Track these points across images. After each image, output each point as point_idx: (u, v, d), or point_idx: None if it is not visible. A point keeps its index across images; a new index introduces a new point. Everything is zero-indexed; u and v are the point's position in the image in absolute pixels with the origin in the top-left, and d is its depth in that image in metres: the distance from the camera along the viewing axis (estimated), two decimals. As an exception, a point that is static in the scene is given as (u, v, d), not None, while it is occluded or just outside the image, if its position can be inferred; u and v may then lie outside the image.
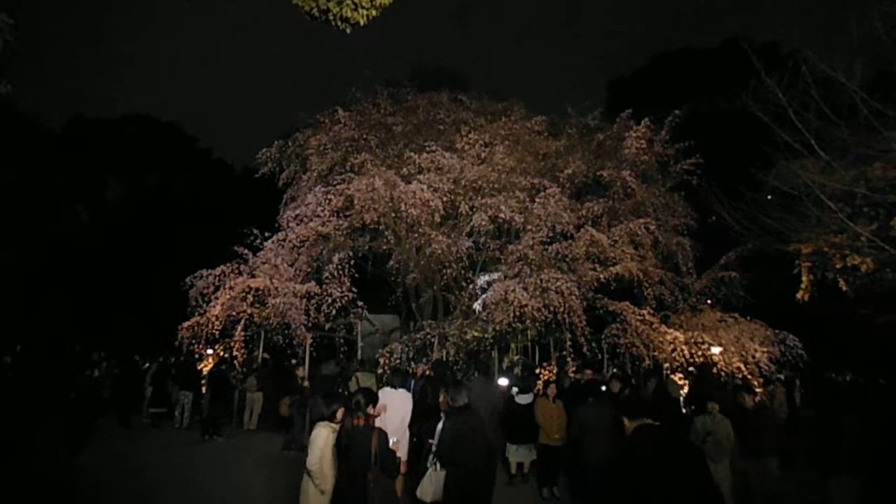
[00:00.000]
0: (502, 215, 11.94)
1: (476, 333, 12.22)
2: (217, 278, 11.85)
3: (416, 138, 14.33)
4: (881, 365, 14.68)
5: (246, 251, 12.42)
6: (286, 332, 11.63)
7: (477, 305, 12.32)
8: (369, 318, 13.51)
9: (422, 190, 11.80)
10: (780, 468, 6.53)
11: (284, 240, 12.24)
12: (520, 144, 14.01)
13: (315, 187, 13.08)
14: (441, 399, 5.55)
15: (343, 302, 11.69)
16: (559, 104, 15.93)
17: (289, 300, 11.06)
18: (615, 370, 12.81)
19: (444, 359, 10.98)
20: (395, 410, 5.77)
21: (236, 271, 12.00)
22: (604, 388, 8.83)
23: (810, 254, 9.59)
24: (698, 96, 22.26)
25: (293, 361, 13.33)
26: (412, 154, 12.88)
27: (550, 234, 12.17)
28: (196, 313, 11.51)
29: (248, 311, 11.45)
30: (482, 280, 12.81)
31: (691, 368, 11.81)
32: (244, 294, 11.35)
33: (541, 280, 11.07)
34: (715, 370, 11.67)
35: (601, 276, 11.94)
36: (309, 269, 12.45)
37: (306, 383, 10.03)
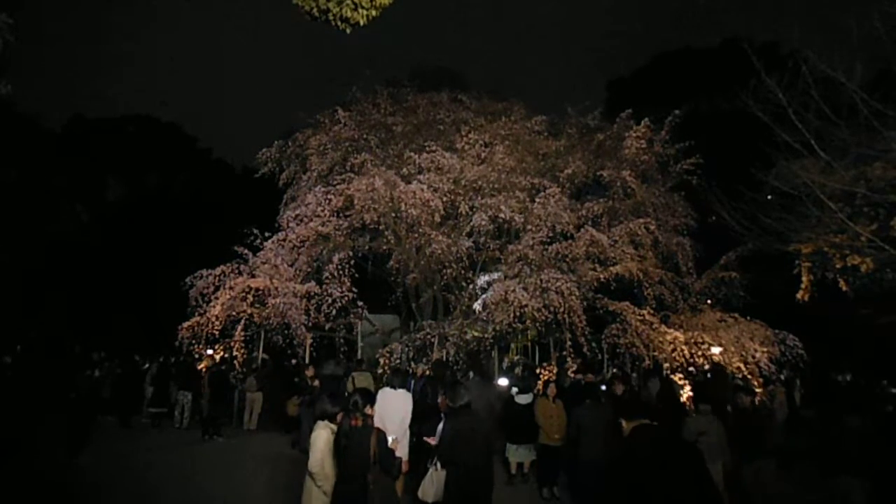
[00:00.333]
0: (502, 215, 11.94)
1: (476, 333, 12.22)
2: (217, 278, 11.86)
3: (416, 138, 14.34)
4: (881, 365, 14.68)
5: (246, 251, 12.42)
6: (286, 332, 11.64)
7: (477, 305, 12.32)
8: (369, 318, 13.51)
9: (422, 190, 11.80)
10: (778, 469, 6.52)
11: (284, 240, 12.24)
12: (520, 144, 14.02)
13: (315, 187, 13.09)
14: (440, 400, 5.55)
15: (343, 302, 11.70)
16: (559, 104, 15.94)
17: (289, 300, 11.06)
18: (615, 370, 12.81)
19: (444, 359, 10.98)
20: (395, 410, 5.77)
21: (236, 271, 12.00)
22: (604, 387, 8.86)
23: (810, 254, 9.58)
24: (698, 96, 22.23)
25: (293, 361, 13.34)
26: (412, 154, 12.89)
27: (550, 234, 12.17)
28: (196, 313, 11.52)
29: (248, 311, 11.45)
30: (482, 280, 12.81)
31: (691, 368, 11.80)
32: (244, 294, 11.36)
33: (541, 280, 11.07)
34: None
35: (601, 276, 11.94)
36: (309, 269, 12.46)
37: (316, 382, 10.02)
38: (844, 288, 9.92)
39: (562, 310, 10.84)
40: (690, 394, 10.39)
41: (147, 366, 14.09)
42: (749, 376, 11.52)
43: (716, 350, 11.79)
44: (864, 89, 7.76)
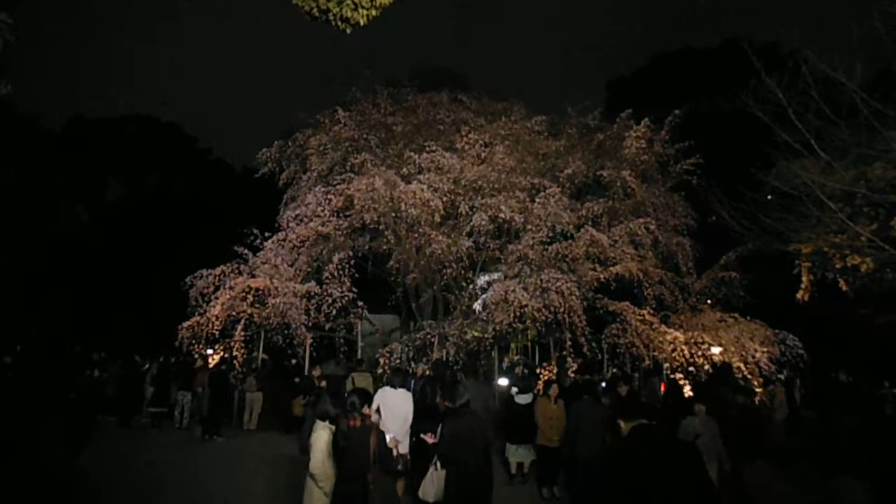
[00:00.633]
0: (502, 215, 11.95)
1: (476, 333, 12.22)
2: (217, 278, 11.86)
3: (416, 138, 14.34)
4: (882, 365, 14.67)
5: (246, 251, 12.42)
6: (286, 332, 11.64)
7: (477, 305, 12.32)
8: (369, 318, 13.51)
9: (422, 190, 11.80)
10: (775, 470, 6.52)
11: (284, 240, 12.24)
12: (520, 144, 14.02)
13: (315, 187, 13.09)
14: (438, 401, 5.55)
15: (343, 302, 11.70)
16: (559, 104, 15.92)
17: (289, 300, 11.06)
18: (615, 370, 12.82)
19: (444, 359, 10.98)
20: (396, 410, 5.76)
21: (236, 271, 12.00)
22: (604, 384, 8.86)
23: (810, 254, 9.57)
24: (698, 96, 22.23)
25: (293, 361, 13.34)
26: (412, 154, 12.89)
27: (550, 234, 12.17)
28: (196, 313, 11.52)
29: (248, 311, 11.45)
30: (482, 280, 12.81)
31: (691, 368, 11.81)
32: (244, 294, 11.35)
33: (541, 280, 11.08)
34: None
35: (601, 276, 11.95)
36: (309, 269, 12.46)
37: (323, 383, 10.01)
38: (844, 288, 9.91)
39: (562, 310, 10.84)
40: (691, 393, 10.40)
41: (147, 366, 14.09)
42: (749, 376, 11.52)
43: (716, 350, 11.79)
44: (864, 89, 7.76)
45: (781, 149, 8.78)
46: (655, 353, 11.76)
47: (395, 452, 5.07)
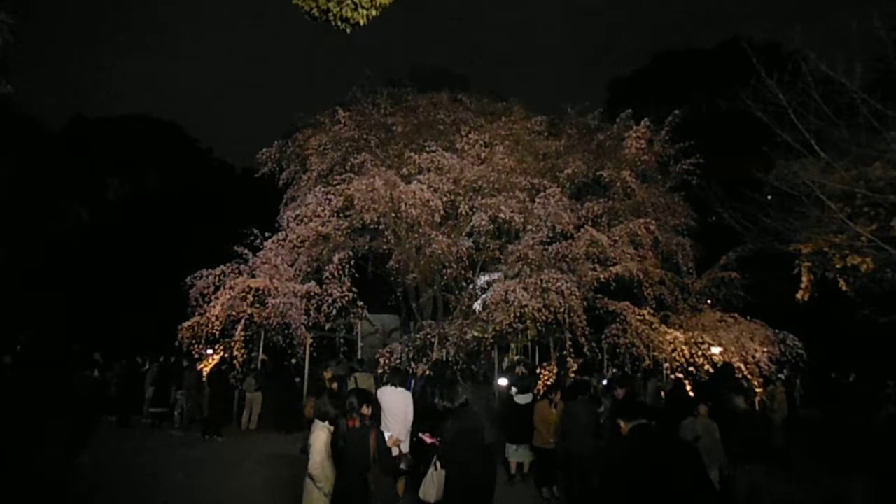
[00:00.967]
0: (502, 215, 11.95)
1: (476, 333, 12.22)
2: (217, 278, 11.85)
3: (416, 138, 14.34)
4: (882, 365, 14.66)
5: (246, 251, 12.42)
6: (286, 332, 11.63)
7: (477, 305, 12.32)
8: (369, 318, 13.51)
9: (422, 190, 11.80)
10: (775, 470, 6.49)
11: (284, 240, 12.24)
12: (520, 144, 14.02)
13: (315, 187, 13.08)
14: (436, 401, 5.55)
15: (343, 302, 11.69)
16: (559, 104, 15.89)
17: (289, 300, 11.06)
18: (615, 370, 12.82)
19: (444, 359, 10.98)
20: (397, 409, 5.77)
21: (236, 271, 11.99)
22: (605, 382, 8.84)
23: (810, 254, 9.56)
24: (698, 96, 22.25)
25: (293, 361, 13.34)
26: (412, 154, 12.89)
27: (550, 234, 12.17)
28: (196, 313, 11.51)
29: (248, 311, 11.45)
30: (482, 280, 12.81)
31: (691, 368, 11.81)
32: (244, 294, 11.35)
33: (541, 280, 11.07)
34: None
35: (601, 276, 11.94)
36: (309, 269, 12.45)
37: (334, 385, 9.98)
38: (844, 288, 9.90)
39: (562, 310, 10.83)
40: (691, 394, 10.39)
41: (147, 367, 14.09)
42: (749, 376, 11.52)
43: (716, 350, 11.79)
44: (865, 89, 7.75)
45: (781, 149, 8.77)
46: (655, 353, 11.76)
47: (395, 452, 5.07)
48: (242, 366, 11.95)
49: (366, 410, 4.24)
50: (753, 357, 11.70)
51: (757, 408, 10.92)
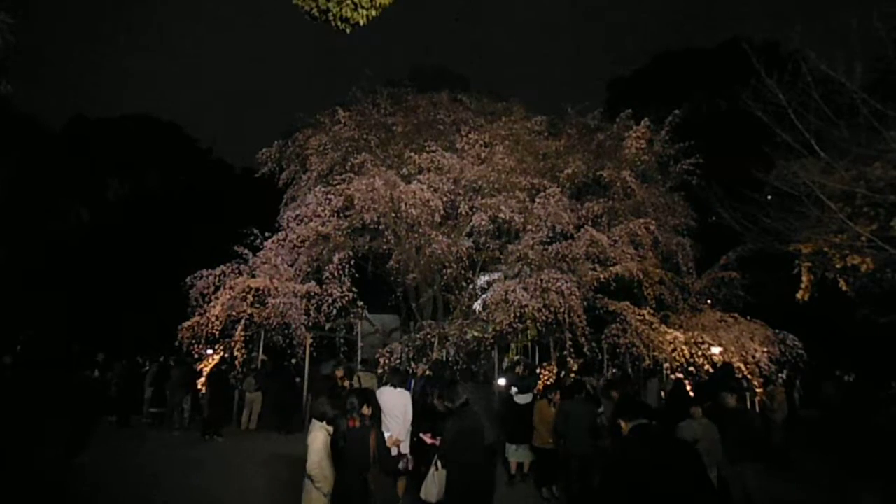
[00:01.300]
0: (502, 215, 11.94)
1: (476, 333, 12.22)
2: (217, 278, 11.85)
3: (416, 138, 14.34)
4: (882, 365, 14.67)
5: (246, 251, 12.42)
6: (286, 332, 11.63)
7: (477, 305, 12.32)
8: (369, 318, 13.50)
9: (422, 190, 11.80)
10: (775, 470, 6.48)
11: (284, 240, 12.23)
12: (520, 144, 14.02)
13: (315, 187, 13.08)
14: (437, 402, 5.56)
15: (343, 302, 11.69)
16: (559, 104, 15.91)
17: (289, 300, 11.06)
18: (615, 370, 12.82)
19: (444, 359, 10.98)
20: (396, 409, 5.77)
21: (236, 271, 11.99)
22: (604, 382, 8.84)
23: (810, 254, 9.56)
24: (698, 96, 22.25)
25: (293, 361, 13.34)
26: (412, 154, 12.89)
27: (550, 234, 12.17)
28: (196, 313, 11.51)
29: (248, 311, 11.44)
30: (482, 280, 12.81)
31: (691, 368, 11.81)
32: (244, 294, 11.35)
33: (541, 280, 11.07)
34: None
35: (601, 276, 11.94)
36: (309, 269, 12.45)
37: (346, 383, 9.98)
38: (844, 288, 9.90)
39: (562, 310, 10.83)
40: (692, 394, 10.39)
41: (147, 367, 14.09)
42: (749, 376, 11.52)
43: (716, 350, 11.79)
44: (865, 89, 7.74)
45: (781, 149, 8.77)
46: (655, 353, 11.75)
47: (395, 452, 5.08)
48: (242, 366, 11.95)
49: (366, 410, 4.24)
50: (753, 357, 11.69)
51: (757, 408, 10.93)
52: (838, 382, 14.74)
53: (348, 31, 4.41)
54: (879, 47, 7.82)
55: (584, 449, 6.23)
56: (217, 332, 11.43)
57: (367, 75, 16.25)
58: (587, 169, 13.73)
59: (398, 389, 6.00)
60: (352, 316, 12.66)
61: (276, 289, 11.16)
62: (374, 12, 4.39)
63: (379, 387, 9.05)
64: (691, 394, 9.98)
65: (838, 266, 8.98)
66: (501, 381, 10.69)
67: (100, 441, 9.36)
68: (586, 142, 14.71)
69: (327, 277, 11.63)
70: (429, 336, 11.80)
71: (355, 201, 11.99)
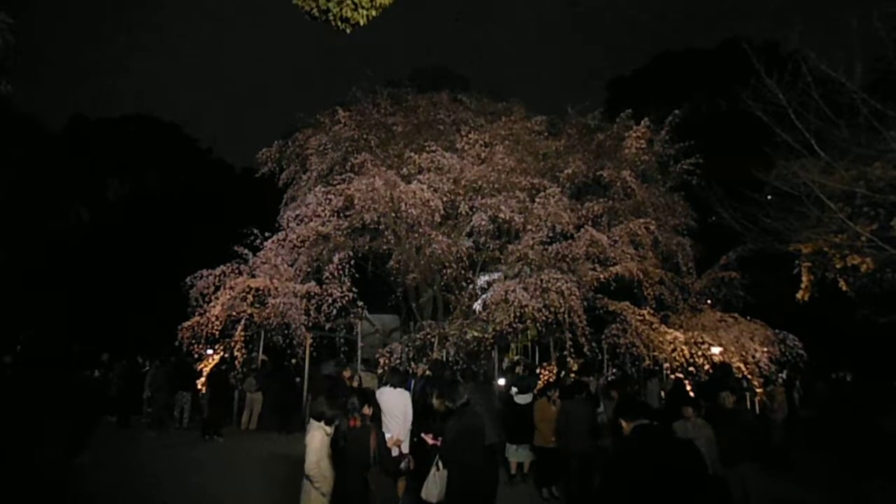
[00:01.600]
0: (502, 215, 11.94)
1: (476, 333, 12.22)
2: (217, 278, 11.86)
3: (416, 138, 14.34)
4: (882, 366, 14.66)
5: (246, 251, 12.43)
6: (286, 332, 11.63)
7: (477, 305, 12.32)
8: (369, 318, 13.51)
9: (422, 190, 11.80)
10: (775, 471, 6.47)
11: (284, 240, 12.24)
12: (520, 144, 14.02)
13: (315, 187, 13.08)
14: (436, 402, 5.55)
15: (343, 302, 11.69)
16: (559, 104, 15.94)
17: (289, 300, 11.06)
18: (615, 371, 12.82)
19: (444, 359, 10.98)
20: (396, 409, 5.77)
21: (236, 271, 12.00)
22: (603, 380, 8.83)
23: (810, 254, 9.56)
24: (698, 96, 22.24)
25: (293, 361, 13.34)
26: (412, 154, 12.89)
27: (550, 234, 12.18)
28: (196, 313, 11.51)
29: (248, 311, 11.45)
30: (482, 280, 12.81)
31: (691, 368, 11.81)
32: (244, 294, 11.35)
33: (541, 280, 11.07)
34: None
35: (601, 276, 11.95)
36: (309, 269, 12.46)
37: (355, 383, 9.98)
38: (844, 288, 9.90)
39: (562, 310, 10.83)
40: (692, 394, 10.39)
41: (147, 367, 14.09)
42: (749, 376, 11.52)
43: (716, 350, 11.79)
44: (865, 89, 7.74)
45: (781, 149, 8.77)
46: (655, 353, 11.76)
47: (395, 452, 5.07)
48: (242, 366, 11.95)
49: (367, 410, 4.24)
50: (753, 357, 11.70)
51: (757, 408, 10.93)
52: (832, 382, 14.76)
53: (348, 31, 4.41)
54: (879, 47, 7.82)
55: (584, 449, 6.24)
56: (217, 332, 11.43)
57: (367, 75, 16.29)
58: (587, 169, 13.73)
59: (398, 389, 6.00)
60: (352, 316, 12.67)
61: (276, 289, 11.16)
62: (374, 12, 4.39)
63: (379, 387, 9.08)
64: (691, 394, 9.99)
65: (838, 266, 8.98)
66: (501, 381, 10.69)
67: (100, 441, 9.36)
68: (586, 142, 14.71)
69: (327, 277, 11.64)
70: (429, 336, 11.80)
71: (355, 201, 11.99)
